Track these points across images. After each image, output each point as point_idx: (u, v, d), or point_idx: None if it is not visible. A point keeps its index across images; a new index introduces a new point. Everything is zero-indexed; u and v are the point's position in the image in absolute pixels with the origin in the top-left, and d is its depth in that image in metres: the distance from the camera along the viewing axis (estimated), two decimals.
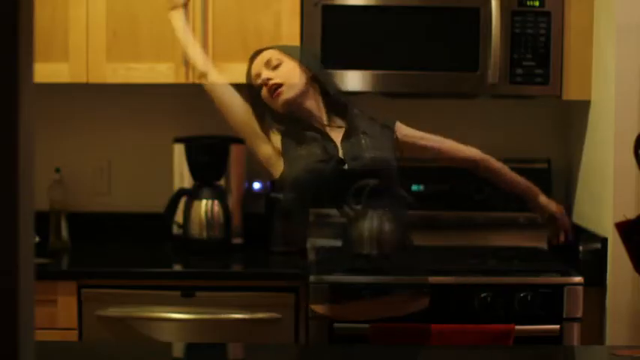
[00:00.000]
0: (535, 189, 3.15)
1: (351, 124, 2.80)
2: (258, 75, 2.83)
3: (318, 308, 2.96)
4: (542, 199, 3.15)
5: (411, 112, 3.78)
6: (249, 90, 2.86)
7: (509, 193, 3.15)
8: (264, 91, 2.81)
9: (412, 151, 2.94)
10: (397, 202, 2.80)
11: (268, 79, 2.78)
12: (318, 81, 2.81)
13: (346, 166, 2.73)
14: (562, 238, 3.17)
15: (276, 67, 2.79)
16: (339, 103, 2.83)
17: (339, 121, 2.82)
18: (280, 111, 2.81)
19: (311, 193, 2.81)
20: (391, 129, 2.89)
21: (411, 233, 2.88)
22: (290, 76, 2.78)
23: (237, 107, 2.87)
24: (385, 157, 2.76)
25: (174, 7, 3.00)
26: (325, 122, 2.80)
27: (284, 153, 2.79)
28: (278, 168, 2.82)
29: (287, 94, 2.77)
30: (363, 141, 2.76)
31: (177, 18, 3.00)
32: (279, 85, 2.76)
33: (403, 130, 2.93)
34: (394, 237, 2.74)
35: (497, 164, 3.10)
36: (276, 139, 2.82)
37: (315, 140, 2.77)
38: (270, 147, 2.82)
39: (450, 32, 3.39)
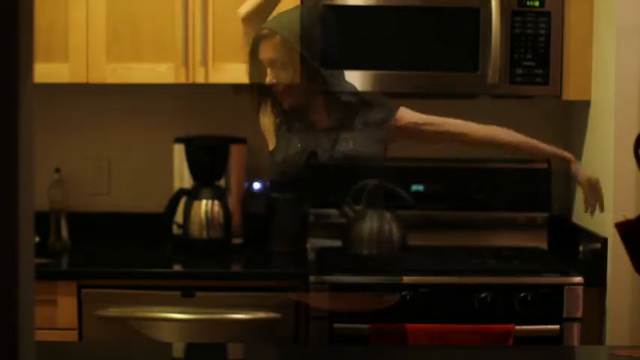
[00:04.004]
0: (564, 156, 3.03)
1: (343, 119, 2.80)
2: (267, 63, 2.82)
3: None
4: (573, 167, 3.02)
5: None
6: (253, 67, 2.85)
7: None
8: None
9: (421, 137, 2.90)
10: (397, 202, 2.80)
11: (274, 84, 2.79)
12: (322, 78, 2.79)
13: (318, 159, 2.75)
14: (595, 209, 2.98)
15: (278, 67, 2.78)
16: (340, 101, 2.82)
17: (336, 116, 2.82)
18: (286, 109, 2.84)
19: (288, 179, 2.86)
20: (387, 121, 2.85)
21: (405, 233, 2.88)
22: (295, 89, 2.77)
23: None
24: (361, 151, 2.74)
25: None
26: (324, 118, 2.80)
27: (276, 133, 2.83)
28: (271, 142, 2.86)
29: (287, 102, 2.78)
30: (343, 136, 2.76)
31: None
32: (283, 92, 2.77)
33: (407, 117, 2.88)
34: (394, 237, 2.74)
35: (514, 139, 3.00)
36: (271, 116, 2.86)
37: (299, 131, 2.79)
38: (268, 119, 2.85)
39: (450, 32, 3.39)
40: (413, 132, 2.84)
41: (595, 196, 2.94)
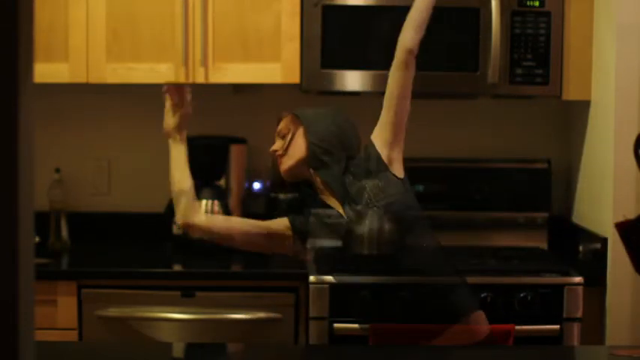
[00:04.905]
0: None
1: (346, 187, 2.72)
2: (276, 135, 2.82)
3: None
4: None
5: (411, 112, 3.78)
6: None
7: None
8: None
9: (404, 113, 2.69)
10: (411, 189, 2.76)
11: (274, 150, 2.78)
12: (316, 153, 2.73)
13: (360, 232, 2.71)
14: None
15: (284, 136, 2.77)
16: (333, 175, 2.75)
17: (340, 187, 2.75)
18: (284, 179, 2.81)
19: (334, 259, 2.83)
20: (379, 158, 2.69)
21: (434, 234, 2.85)
22: (292, 145, 2.75)
23: (242, 228, 2.80)
24: (392, 201, 2.68)
25: (168, 136, 2.76)
26: (322, 189, 2.76)
27: (308, 233, 2.76)
28: (303, 253, 2.81)
29: (285, 164, 2.75)
30: (365, 195, 2.69)
31: (175, 148, 2.75)
32: (281, 155, 2.76)
33: (380, 133, 2.71)
34: (394, 237, 2.74)
35: (416, 19, 2.75)
36: (288, 228, 2.78)
37: (322, 216, 2.75)
38: (286, 239, 2.78)
39: (450, 32, 3.39)
40: (398, 125, 2.72)
41: None
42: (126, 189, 3.83)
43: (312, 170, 2.73)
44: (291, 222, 2.76)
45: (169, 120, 2.74)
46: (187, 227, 2.76)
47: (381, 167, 2.68)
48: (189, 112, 2.75)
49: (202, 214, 2.78)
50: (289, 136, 2.74)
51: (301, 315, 3.18)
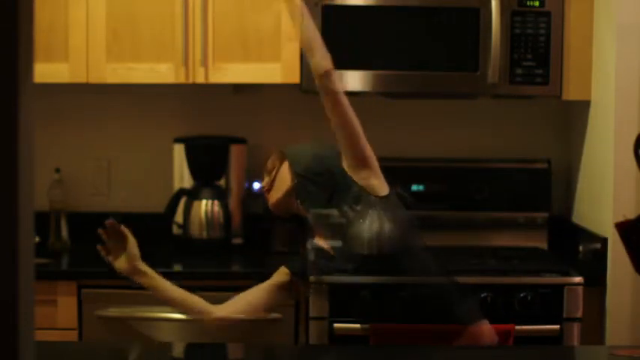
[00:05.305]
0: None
1: (329, 219, 2.75)
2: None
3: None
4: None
5: (411, 112, 3.79)
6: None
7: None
8: None
9: (358, 143, 2.63)
10: (397, 203, 2.78)
11: (262, 187, 2.81)
12: (301, 183, 2.73)
13: (349, 267, 2.75)
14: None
15: (270, 172, 2.80)
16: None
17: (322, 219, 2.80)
18: (275, 214, 2.84)
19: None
20: (358, 192, 2.66)
21: (418, 233, 2.85)
22: (278, 180, 2.77)
23: None
24: (382, 230, 2.69)
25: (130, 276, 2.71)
26: (311, 222, 2.79)
27: (306, 272, 2.81)
28: (307, 291, 2.87)
29: (272, 197, 2.78)
30: (361, 230, 2.69)
31: (146, 279, 2.73)
32: (268, 190, 2.79)
33: (345, 161, 2.67)
34: (394, 237, 2.74)
35: (310, 40, 2.67)
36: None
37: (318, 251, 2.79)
38: (288, 285, 2.79)
39: (450, 32, 3.39)
40: (354, 148, 2.67)
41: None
42: (126, 189, 3.83)
43: (299, 203, 2.75)
44: (288, 268, 2.78)
45: (119, 265, 2.70)
46: (223, 324, 2.76)
47: (361, 192, 2.67)
48: (134, 241, 2.71)
49: (217, 309, 2.75)
50: (274, 172, 2.76)
51: (301, 315, 3.17)
